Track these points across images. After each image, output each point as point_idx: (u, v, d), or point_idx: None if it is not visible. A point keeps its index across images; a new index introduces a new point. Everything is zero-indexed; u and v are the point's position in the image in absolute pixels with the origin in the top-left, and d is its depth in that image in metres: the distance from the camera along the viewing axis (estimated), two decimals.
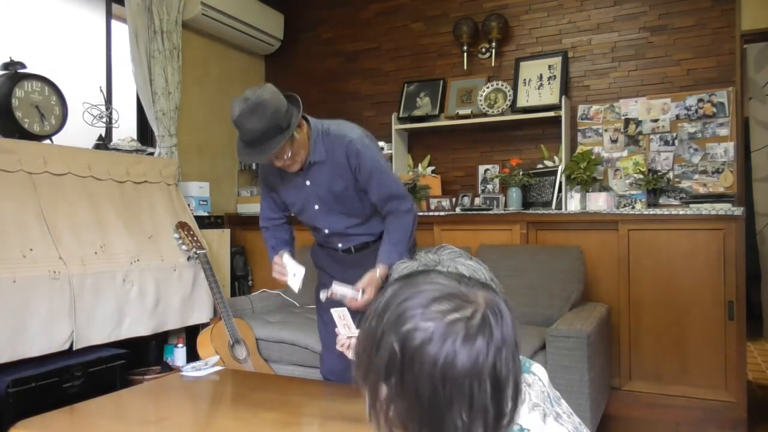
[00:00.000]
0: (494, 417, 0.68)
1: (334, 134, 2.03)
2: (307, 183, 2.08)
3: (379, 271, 1.96)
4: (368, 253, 2.15)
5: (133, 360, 2.76)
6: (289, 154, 1.94)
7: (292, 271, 2.08)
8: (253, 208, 4.15)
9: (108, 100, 3.28)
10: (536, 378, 1.06)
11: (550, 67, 3.62)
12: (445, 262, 1.04)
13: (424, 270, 0.82)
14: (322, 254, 2.32)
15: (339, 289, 1.89)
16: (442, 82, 3.93)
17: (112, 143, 3.09)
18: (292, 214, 2.26)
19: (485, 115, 3.65)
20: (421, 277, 0.78)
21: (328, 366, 2.34)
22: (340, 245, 2.20)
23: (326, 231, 2.16)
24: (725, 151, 3.19)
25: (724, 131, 3.20)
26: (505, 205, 3.55)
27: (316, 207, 2.11)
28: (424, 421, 0.66)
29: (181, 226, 2.99)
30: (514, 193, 3.47)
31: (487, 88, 3.70)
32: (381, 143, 4.00)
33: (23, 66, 2.64)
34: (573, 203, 3.35)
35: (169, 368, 2.92)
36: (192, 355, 2.84)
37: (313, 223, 2.18)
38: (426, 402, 0.66)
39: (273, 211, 2.26)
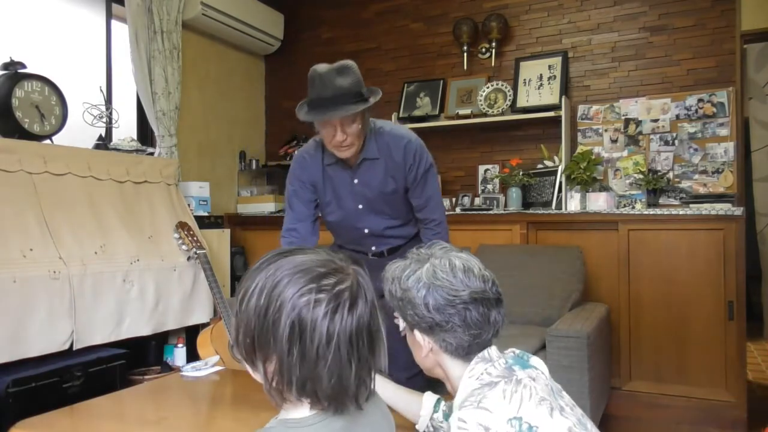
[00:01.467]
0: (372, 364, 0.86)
1: (388, 134, 1.98)
2: (355, 181, 2.00)
3: None
4: (395, 258, 2.11)
5: (133, 360, 2.76)
6: (359, 127, 1.85)
7: None
8: (253, 208, 4.15)
9: (108, 100, 3.28)
10: (539, 372, 1.09)
11: (550, 67, 3.62)
12: (437, 254, 1.14)
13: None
14: None
15: None
16: (442, 82, 3.93)
17: (112, 143, 3.09)
18: (322, 216, 2.12)
19: (485, 115, 3.65)
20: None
21: None
22: (373, 248, 2.11)
23: (366, 231, 2.06)
24: (725, 151, 3.19)
25: (724, 131, 3.20)
26: (505, 205, 3.55)
27: (360, 207, 2.03)
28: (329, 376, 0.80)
29: (181, 226, 2.99)
30: (514, 193, 3.47)
31: (487, 88, 3.70)
32: None
33: (23, 66, 2.64)
34: (573, 203, 3.35)
35: (169, 368, 2.92)
36: (192, 355, 2.84)
37: (351, 224, 2.07)
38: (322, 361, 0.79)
39: (302, 213, 2.07)
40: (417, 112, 3.91)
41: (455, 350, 1.11)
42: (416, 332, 1.14)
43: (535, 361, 1.14)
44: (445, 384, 1.19)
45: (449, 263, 1.12)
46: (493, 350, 1.12)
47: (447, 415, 1.29)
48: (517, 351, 1.15)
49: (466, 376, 1.09)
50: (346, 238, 2.15)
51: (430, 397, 1.36)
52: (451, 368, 1.14)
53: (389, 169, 1.97)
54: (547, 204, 3.42)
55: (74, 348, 2.43)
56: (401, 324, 1.19)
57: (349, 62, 1.86)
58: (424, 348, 1.14)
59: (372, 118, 1.99)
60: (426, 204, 2.03)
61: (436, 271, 1.11)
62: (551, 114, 3.46)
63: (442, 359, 1.14)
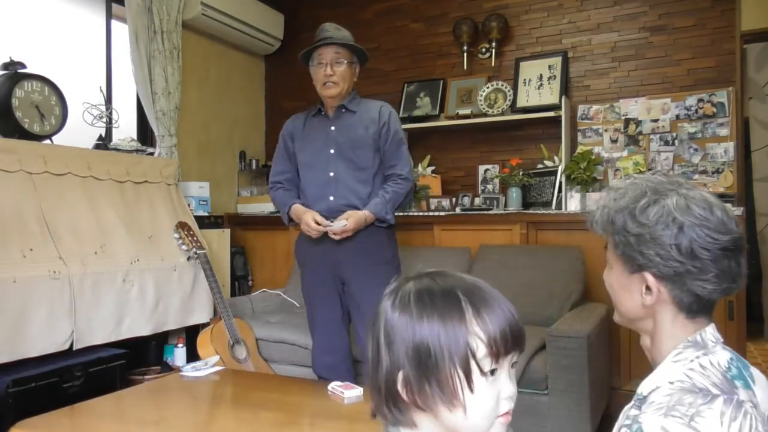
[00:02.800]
0: None
1: (368, 100, 2.44)
2: (332, 128, 2.37)
3: (365, 213, 2.25)
4: (350, 245, 2.28)
5: (133, 360, 2.76)
6: (345, 70, 2.30)
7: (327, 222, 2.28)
8: (253, 208, 4.15)
9: (108, 100, 3.28)
10: (756, 397, 0.87)
11: (550, 67, 3.62)
12: (681, 183, 0.96)
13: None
14: (306, 246, 2.39)
15: (336, 222, 2.25)
16: (442, 82, 3.92)
17: (112, 143, 3.09)
18: (298, 165, 2.44)
19: (485, 115, 3.65)
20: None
21: (321, 362, 2.43)
22: (331, 198, 2.32)
23: (331, 174, 2.33)
24: (725, 151, 3.19)
25: (724, 131, 3.20)
26: (505, 205, 3.55)
27: (332, 151, 2.35)
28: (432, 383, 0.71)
29: (181, 226, 2.99)
30: (514, 193, 3.47)
31: (487, 88, 3.70)
32: None
33: (23, 66, 2.63)
34: (573, 203, 3.35)
35: (169, 368, 2.92)
36: (192, 355, 2.84)
37: (321, 167, 2.35)
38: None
39: (285, 165, 2.47)
40: (417, 112, 3.91)
41: (688, 306, 0.91)
42: (648, 276, 0.92)
43: (757, 376, 0.91)
44: (643, 342, 1.00)
45: (703, 197, 0.91)
46: (709, 331, 0.92)
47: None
48: (734, 354, 0.91)
49: (670, 358, 0.90)
50: (313, 185, 2.38)
51: None
52: (668, 328, 0.93)
53: (364, 120, 2.35)
54: (547, 204, 3.42)
55: (74, 348, 2.43)
56: (616, 260, 0.97)
57: (345, 29, 2.37)
58: (649, 297, 0.93)
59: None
60: (395, 163, 2.35)
61: (690, 205, 0.90)
62: (551, 114, 3.46)
63: (663, 314, 0.93)
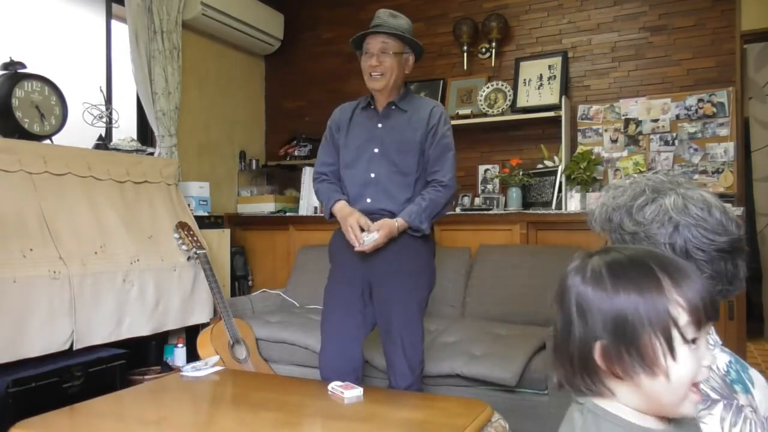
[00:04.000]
0: None
1: (421, 98, 2.29)
2: (379, 125, 2.24)
3: (398, 222, 2.11)
4: (385, 251, 2.15)
5: (133, 360, 2.76)
6: (393, 61, 2.16)
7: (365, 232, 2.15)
8: (252, 208, 4.15)
9: (108, 100, 3.28)
10: (755, 400, 0.85)
11: (550, 67, 3.62)
12: (680, 182, 0.95)
13: None
14: (342, 242, 2.24)
15: (367, 237, 2.11)
16: (442, 82, 3.92)
17: (112, 143, 3.09)
18: (341, 160, 2.31)
19: (485, 115, 3.65)
20: None
21: (330, 366, 2.24)
22: (368, 200, 2.20)
23: (372, 176, 2.21)
24: (725, 151, 3.19)
25: (724, 131, 3.20)
26: (505, 205, 3.55)
27: (376, 150, 2.22)
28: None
29: (181, 226, 2.99)
30: (514, 193, 3.47)
31: (487, 88, 3.70)
32: None
33: (23, 66, 2.64)
34: (573, 203, 3.34)
35: (169, 368, 2.92)
36: (192, 355, 2.84)
37: (363, 165, 2.23)
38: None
39: (331, 156, 2.33)
40: None
41: None
42: None
43: (756, 378, 0.90)
44: None
45: (702, 197, 0.90)
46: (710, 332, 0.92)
47: None
48: (732, 356, 0.91)
49: None
50: (352, 184, 2.26)
51: None
52: None
53: (413, 121, 2.20)
54: (547, 204, 3.42)
55: (74, 348, 2.43)
56: None
57: (404, 16, 2.23)
58: None
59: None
60: (438, 168, 2.18)
61: (688, 205, 0.89)
62: (551, 114, 3.46)
63: None
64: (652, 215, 0.89)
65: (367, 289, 2.23)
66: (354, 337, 2.23)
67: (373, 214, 2.17)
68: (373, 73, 2.17)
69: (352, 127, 2.29)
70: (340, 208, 2.22)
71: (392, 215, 2.17)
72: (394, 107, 2.23)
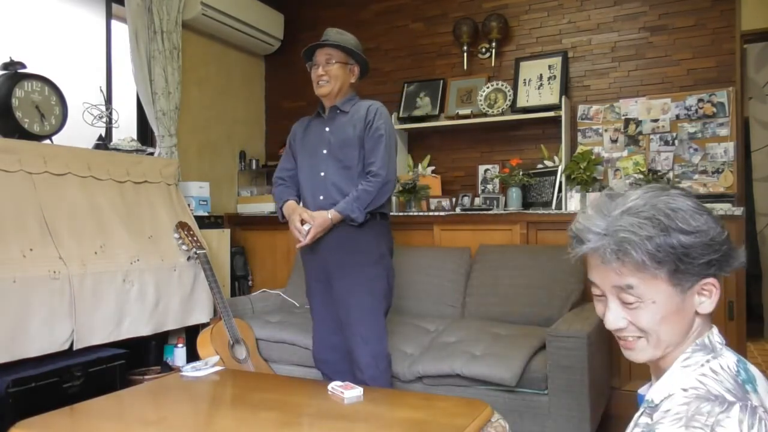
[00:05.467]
0: None
1: (366, 100, 2.46)
2: (326, 129, 2.44)
3: (331, 215, 2.29)
4: (340, 232, 2.34)
5: (133, 360, 2.76)
6: (337, 70, 2.38)
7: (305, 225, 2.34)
8: (252, 208, 4.15)
9: (108, 100, 3.28)
10: (763, 398, 0.85)
11: (550, 67, 3.62)
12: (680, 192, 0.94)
13: None
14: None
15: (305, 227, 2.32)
16: (442, 82, 3.93)
17: (112, 143, 3.09)
18: (297, 166, 2.52)
19: (485, 115, 3.65)
20: None
21: (320, 358, 2.52)
22: (321, 197, 2.39)
23: (322, 174, 2.40)
24: (725, 151, 3.19)
25: (724, 131, 3.20)
26: (505, 205, 3.55)
27: (324, 151, 2.41)
28: None
29: (181, 226, 2.99)
30: (514, 193, 3.47)
31: (487, 88, 3.70)
32: None
33: (23, 66, 2.63)
34: (573, 203, 3.35)
35: (169, 368, 2.92)
36: (192, 355, 2.84)
37: (315, 167, 2.43)
38: None
39: (289, 162, 2.57)
40: (417, 112, 3.91)
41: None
42: (711, 279, 0.89)
43: (758, 375, 0.90)
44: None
45: (694, 201, 0.92)
46: (715, 333, 0.91)
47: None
48: (737, 356, 0.90)
49: (679, 362, 0.89)
50: (307, 186, 2.47)
51: None
52: (694, 328, 0.92)
53: (354, 120, 2.39)
54: (547, 204, 3.42)
55: (74, 348, 2.43)
56: (664, 287, 0.89)
57: (350, 34, 2.45)
58: (708, 301, 0.90)
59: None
60: (373, 161, 2.33)
61: (693, 199, 0.92)
62: (551, 114, 3.46)
63: (698, 316, 0.92)
64: (699, 221, 0.88)
65: (327, 282, 2.41)
66: (336, 328, 2.42)
67: (326, 210, 2.34)
68: (320, 81, 2.40)
69: (306, 136, 2.51)
70: (287, 206, 2.43)
71: (341, 196, 2.34)
72: (338, 111, 2.44)
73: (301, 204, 2.49)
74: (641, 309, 0.90)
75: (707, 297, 0.90)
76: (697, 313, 0.90)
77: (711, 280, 0.89)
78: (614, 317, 0.92)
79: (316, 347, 2.53)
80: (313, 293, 2.50)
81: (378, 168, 2.31)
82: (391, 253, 2.47)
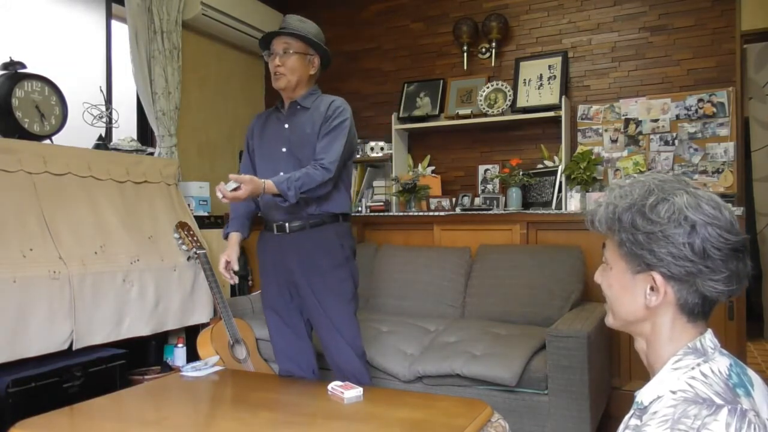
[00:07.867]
0: None
1: (328, 96, 2.31)
2: (286, 126, 2.30)
3: (265, 183, 2.08)
4: (302, 237, 2.24)
5: (133, 360, 2.76)
6: (295, 63, 2.22)
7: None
8: None
9: (108, 100, 3.28)
10: (757, 403, 0.85)
11: (550, 67, 3.62)
12: (688, 182, 0.96)
13: None
14: (261, 253, 2.36)
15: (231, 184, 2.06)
16: (442, 82, 3.93)
17: (112, 143, 3.09)
18: (256, 171, 2.34)
19: (485, 115, 3.65)
20: None
21: (284, 369, 2.40)
22: (278, 199, 2.22)
23: (282, 173, 2.20)
24: (725, 151, 3.19)
25: (724, 131, 3.20)
26: (505, 205, 3.55)
27: (284, 150, 2.28)
28: None
29: (181, 226, 2.99)
30: (514, 193, 3.47)
31: (487, 88, 3.70)
32: (381, 143, 4.00)
33: (23, 66, 2.63)
34: (573, 203, 3.35)
35: (169, 368, 2.92)
36: (192, 355, 2.84)
37: (273, 166, 2.27)
38: None
39: (246, 167, 2.40)
40: (417, 112, 3.91)
41: (691, 308, 0.90)
42: (656, 275, 0.90)
43: (755, 379, 0.89)
44: (638, 346, 1.00)
45: (710, 196, 0.90)
46: (708, 337, 0.90)
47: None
48: (732, 359, 0.90)
49: (670, 365, 0.89)
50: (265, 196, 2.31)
51: None
52: (666, 331, 0.92)
53: (314, 116, 2.25)
54: (547, 204, 3.42)
55: (74, 348, 2.43)
56: (618, 259, 0.95)
57: (311, 22, 2.30)
58: (654, 297, 0.91)
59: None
60: (322, 153, 2.18)
61: (700, 204, 0.88)
62: (551, 114, 3.46)
63: (663, 316, 0.92)
64: (668, 214, 0.88)
65: (293, 290, 2.29)
66: (297, 339, 2.34)
67: (287, 212, 2.23)
68: (276, 72, 2.23)
69: (264, 132, 2.36)
70: (229, 238, 2.36)
71: (305, 208, 2.24)
72: (298, 107, 2.29)
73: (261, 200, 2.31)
74: (606, 272, 1.01)
75: (654, 293, 0.91)
76: (647, 308, 0.93)
77: (657, 276, 0.90)
78: (597, 272, 1.05)
79: (279, 359, 2.40)
80: (270, 302, 2.35)
81: (329, 162, 2.15)
82: (354, 254, 2.34)
